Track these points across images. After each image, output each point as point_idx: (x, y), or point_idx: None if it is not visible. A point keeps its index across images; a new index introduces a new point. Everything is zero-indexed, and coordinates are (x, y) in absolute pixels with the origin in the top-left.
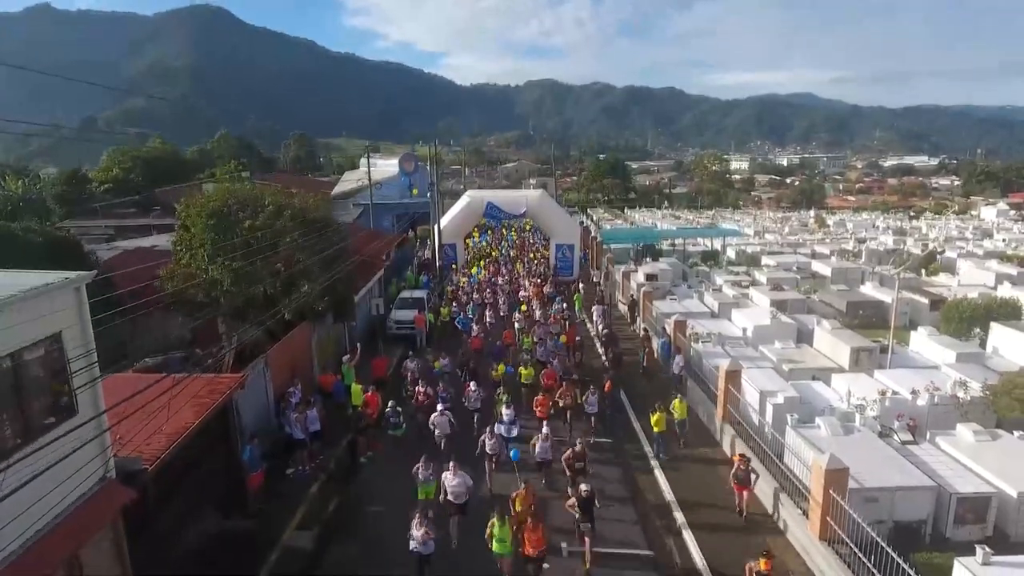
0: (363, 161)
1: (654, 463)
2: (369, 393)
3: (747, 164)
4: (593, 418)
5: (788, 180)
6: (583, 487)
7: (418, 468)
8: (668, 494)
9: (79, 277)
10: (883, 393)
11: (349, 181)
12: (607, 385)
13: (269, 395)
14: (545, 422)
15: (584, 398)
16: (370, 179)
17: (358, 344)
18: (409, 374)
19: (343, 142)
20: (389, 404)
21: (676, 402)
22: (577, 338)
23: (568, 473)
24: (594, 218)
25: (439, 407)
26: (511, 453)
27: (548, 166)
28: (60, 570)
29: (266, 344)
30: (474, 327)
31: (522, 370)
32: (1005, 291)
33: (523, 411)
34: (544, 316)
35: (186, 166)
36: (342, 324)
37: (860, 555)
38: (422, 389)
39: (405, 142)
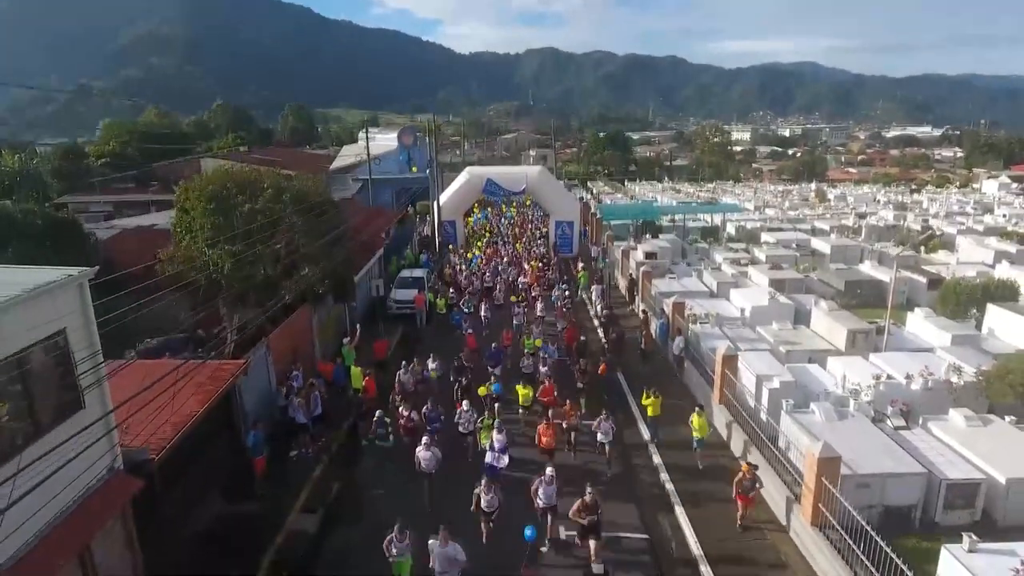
0: (362, 134)
1: (652, 448)
2: (368, 378)
3: (749, 135)
4: (607, 447)
5: (790, 151)
6: (595, 567)
7: (391, 539)
8: (664, 475)
9: (82, 273)
10: (877, 378)
11: (348, 156)
12: (602, 368)
13: (271, 379)
14: (550, 457)
15: (596, 424)
16: (368, 155)
17: (357, 326)
18: (398, 386)
19: (341, 112)
20: (377, 413)
21: (695, 417)
22: (582, 337)
23: (576, 530)
24: (594, 191)
25: (424, 440)
26: (525, 532)
27: (548, 137)
28: (72, 560)
29: (267, 327)
30: (466, 326)
31: (519, 388)
32: (1003, 270)
33: (522, 435)
34: (545, 306)
35: (184, 139)
36: (342, 305)
37: (849, 541)
38: (406, 413)
39: (404, 112)
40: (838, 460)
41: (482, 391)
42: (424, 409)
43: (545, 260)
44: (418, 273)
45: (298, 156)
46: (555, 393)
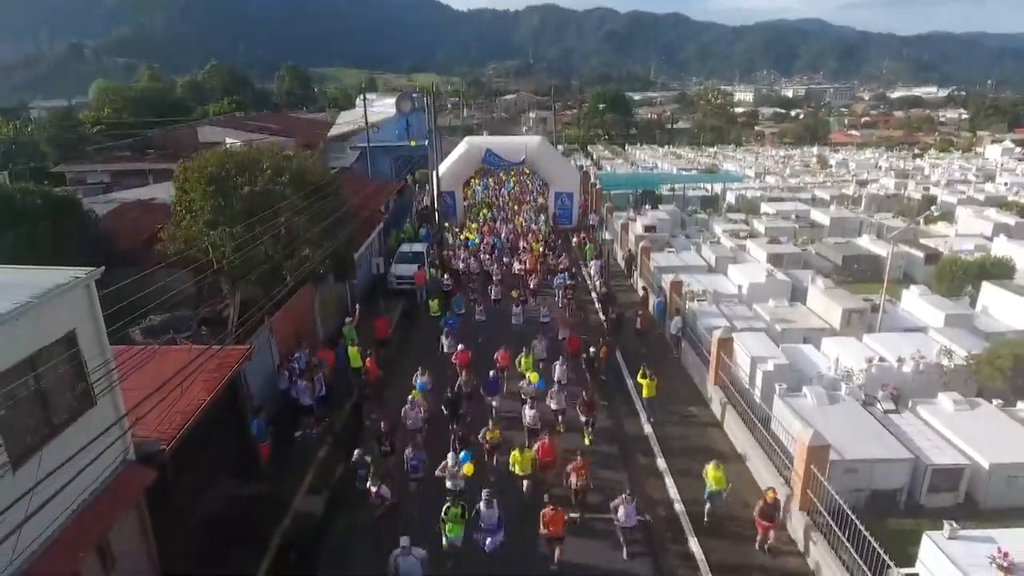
0: (359, 100)
1: (648, 428)
2: (369, 358)
3: (752, 95)
4: (626, 533)
5: (793, 113)
6: None
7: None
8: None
9: (88, 275)
10: (870, 360)
11: (346, 123)
12: (603, 351)
13: (274, 360)
14: (559, 548)
15: (614, 505)
16: (367, 124)
17: (357, 306)
18: (383, 424)
19: (337, 72)
20: (355, 454)
21: (710, 469)
22: (592, 350)
23: None
24: (594, 156)
25: (403, 543)
26: None
27: (548, 98)
28: (92, 551)
29: (269, 304)
30: (448, 342)
31: (514, 455)
32: (1000, 244)
33: (524, 508)
34: (548, 305)
35: (179, 104)
36: (343, 283)
37: (834, 526)
38: (374, 489)
39: (402, 72)
40: (827, 448)
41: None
42: (405, 453)
43: (549, 241)
44: (418, 247)
45: (296, 123)
46: (556, 453)
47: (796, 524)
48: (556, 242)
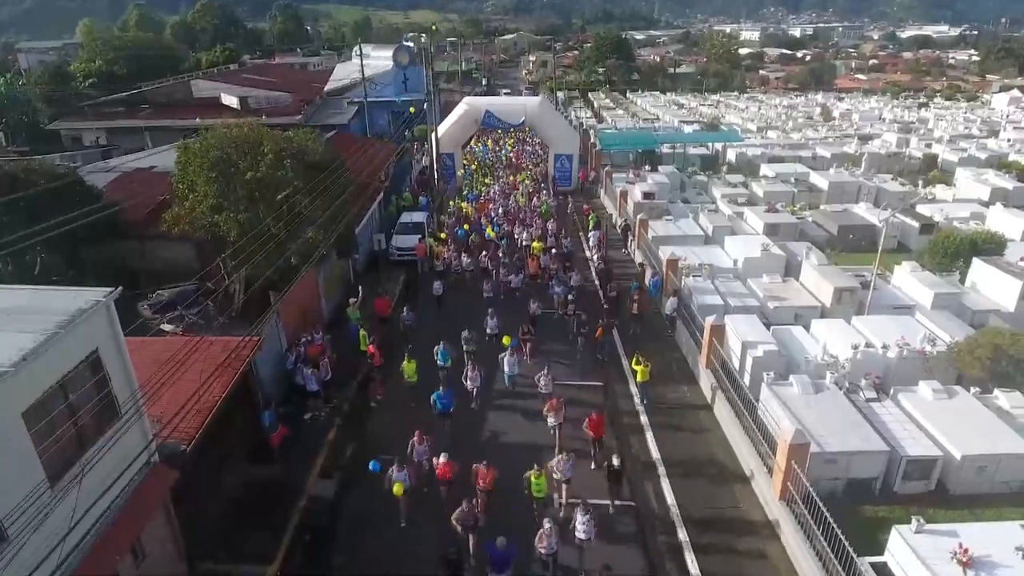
0: (355, 52)
1: (640, 409)
2: (372, 345)
3: (758, 35)
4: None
5: (800, 54)
6: None
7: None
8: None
9: (108, 296)
10: (856, 347)
11: (342, 77)
12: (599, 332)
13: (282, 343)
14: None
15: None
16: (363, 78)
17: (360, 287)
18: None
19: (332, 8)
20: None
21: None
22: (615, 462)
23: None
24: (595, 106)
25: None
26: None
27: (548, 38)
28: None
29: (275, 281)
30: (423, 449)
31: None
32: (996, 213)
33: None
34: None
35: (170, 53)
36: (345, 259)
37: (808, 518)
38: None
39: (398, 8)
40: (807, 446)
41: None
42: None
43: (554, 237)
44: (418, 218)
45: (292, 76)
46: None
47: (775, 512)
48: (565, 239)
